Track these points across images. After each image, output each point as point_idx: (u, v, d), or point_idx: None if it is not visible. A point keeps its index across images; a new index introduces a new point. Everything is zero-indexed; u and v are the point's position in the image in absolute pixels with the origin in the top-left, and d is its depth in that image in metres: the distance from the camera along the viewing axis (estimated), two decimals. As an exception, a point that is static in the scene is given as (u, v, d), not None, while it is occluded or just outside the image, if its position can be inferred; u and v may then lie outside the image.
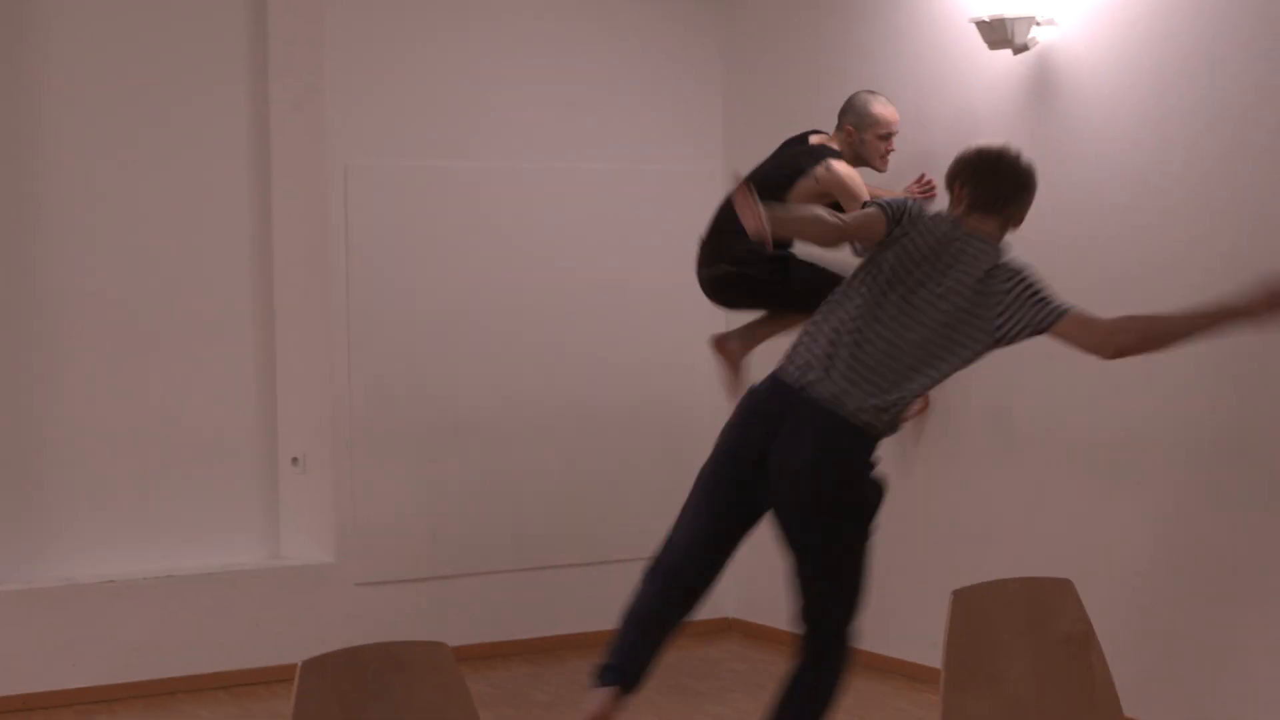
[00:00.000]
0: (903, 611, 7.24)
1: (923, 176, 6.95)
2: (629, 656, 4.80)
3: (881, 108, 6.54)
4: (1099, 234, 6.42)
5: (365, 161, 7.70)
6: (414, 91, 7.85)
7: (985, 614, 3.78)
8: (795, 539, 4.76)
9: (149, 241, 7.57)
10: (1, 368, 7.24)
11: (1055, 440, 6.64)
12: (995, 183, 4.77)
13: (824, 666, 4.83)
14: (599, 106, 8.28)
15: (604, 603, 8.08)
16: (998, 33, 6.54)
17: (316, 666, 3.27)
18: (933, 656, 6.30)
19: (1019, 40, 6.54)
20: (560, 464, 8.09)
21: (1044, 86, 6.64)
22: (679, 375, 8.36)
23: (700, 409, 8.02)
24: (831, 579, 4.77)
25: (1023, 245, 6.41)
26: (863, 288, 4.76)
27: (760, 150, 7.54)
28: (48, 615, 7.12)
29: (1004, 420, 6.88)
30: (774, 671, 7.34)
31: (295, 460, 7.71)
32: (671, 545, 4.89)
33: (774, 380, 4.81)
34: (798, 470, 4.68)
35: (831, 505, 4.70)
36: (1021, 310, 4.62)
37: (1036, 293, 4.65)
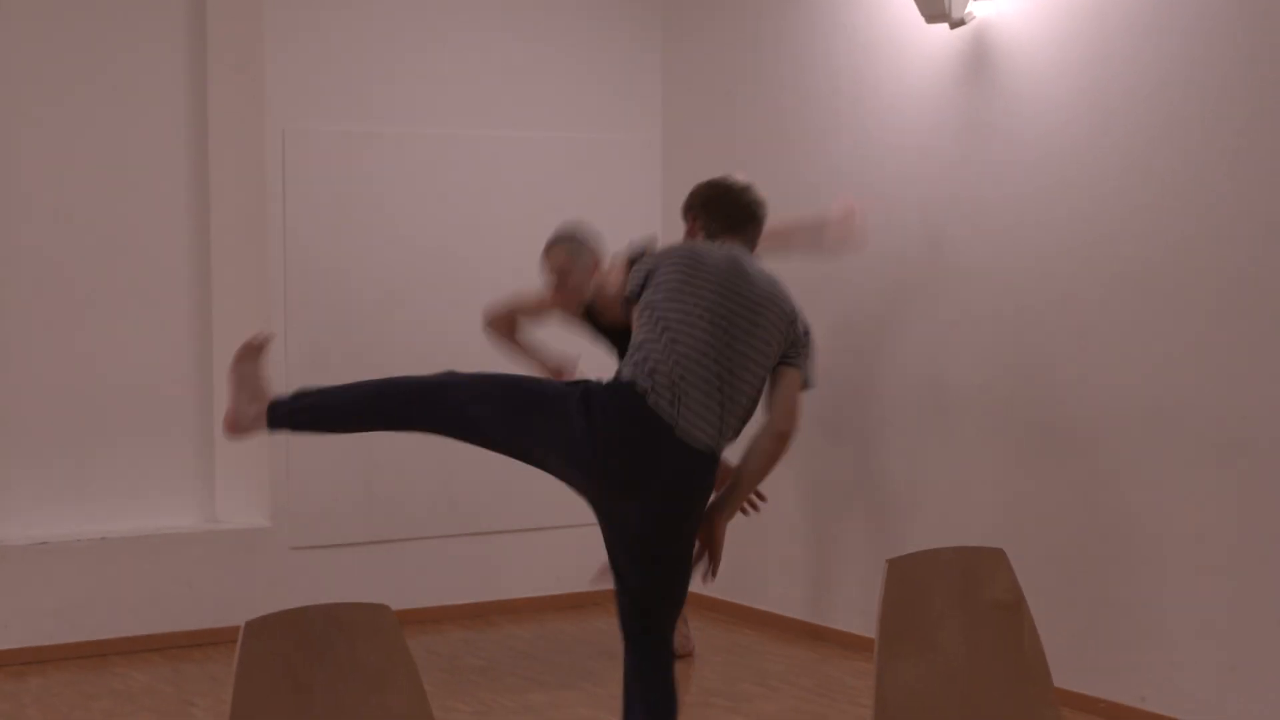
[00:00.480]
0: (838, 582, 7.34)
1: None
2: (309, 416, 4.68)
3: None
4: (1037, 210, 6.39)
5: (304, 125, 7.67)
6: (354, 56, 7.79)
7: (919, 582, 3.79)
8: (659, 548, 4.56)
9: (83, 202, 7.48)
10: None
11: (985, 409, 6.67)
12: (728, 212, 4.83)
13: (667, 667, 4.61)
14: (539, 74, 8.24)
15: (538, 569, 8.11)
16: (934, 6, 6.54)
17: (260, 627, 3.22)
18: (867, 625, 6.32)
19: (956, 14, 6.54)
20: None
21: (981, 61, 6.63)
22: None
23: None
24: (681, 584, 4.61)
25: (961, 221, 6.48)
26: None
27: (699, 119, 7.55)
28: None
29: (937, 389, 6.96)
30: (707, 639, 7.42)
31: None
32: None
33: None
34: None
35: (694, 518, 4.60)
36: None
37: None
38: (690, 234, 4.95)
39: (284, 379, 7.34)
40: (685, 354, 4.35)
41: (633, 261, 4.96)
